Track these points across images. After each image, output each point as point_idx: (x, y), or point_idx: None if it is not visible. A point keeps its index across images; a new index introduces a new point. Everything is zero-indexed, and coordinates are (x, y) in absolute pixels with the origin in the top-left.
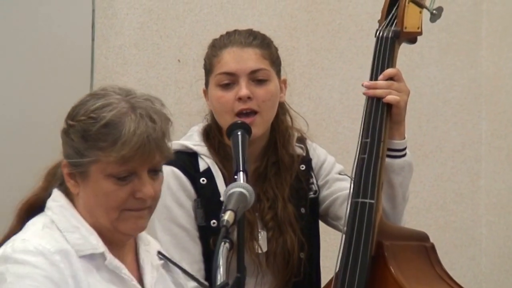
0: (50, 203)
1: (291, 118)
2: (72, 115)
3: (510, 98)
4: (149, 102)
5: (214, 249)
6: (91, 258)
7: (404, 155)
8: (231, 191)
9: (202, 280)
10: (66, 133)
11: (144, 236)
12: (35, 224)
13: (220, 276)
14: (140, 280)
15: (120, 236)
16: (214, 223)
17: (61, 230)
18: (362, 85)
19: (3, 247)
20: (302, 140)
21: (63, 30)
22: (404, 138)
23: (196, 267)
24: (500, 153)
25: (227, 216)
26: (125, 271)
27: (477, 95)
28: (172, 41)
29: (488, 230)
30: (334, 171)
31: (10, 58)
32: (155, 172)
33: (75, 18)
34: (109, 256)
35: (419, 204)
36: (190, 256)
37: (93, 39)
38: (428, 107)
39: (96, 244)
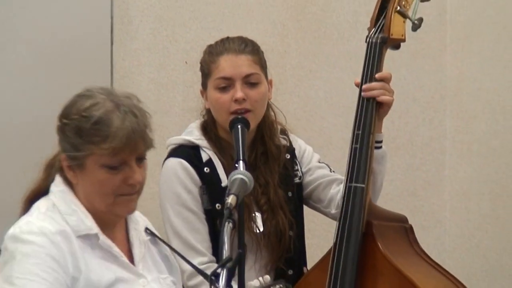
0: (53, 187)
1: (274, 113)
2: (65, 114)
3: (472, 99)
4: (129, 100)
5: (220, 228)
6: (87, 237)
7: (381, 147)
8: (233, 177)
9: (181, 254)
10: (61, 130)
11: (134, 216)
12: (39, 207)
13: (225, 252)
14: (130, 253)
15: (114, 218)
16: (218, 206)
17: (61, 212)
18: (356, 85)
19: (12, 228)
20: (284, 132)
21: (85, 35)
22: (381, 132)
23: (206, 245)
24: (463, 146)
25: (230, 199)
26: (115, 249)
27: (442, 95)
28: (180, 45)
29: (451, 214)
30: (314, 160)
31: (38, 61)
32: (140, 160)
33: (96, 25)
34: (102, 236)
35: (393, 191)
36: (200, 236)
37: (111, 43)
38: (400, 105)
39: (91, 225)
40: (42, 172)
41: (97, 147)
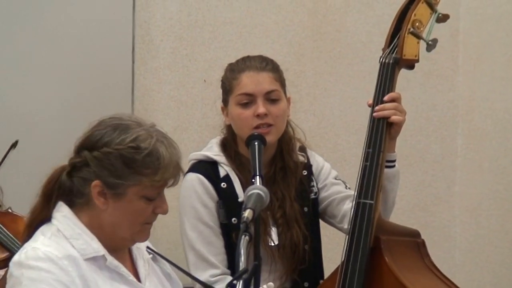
0: (55, 213)
1: (292, 130)
2: (105, 143)
3: (483, 117)
4: (160, 132)
5: (236, 242)
6: (94, 260)
7: (394, 166)
8: (250, 192)
9: (184, 268)
10: (100, 158)
11: None
12: (44, 233)
13: (242, 264)
14: (136, 272)
15: (130, 244)
16: (234, 220)
17: (67, 237)
18: (369, 106)
19: (17, 254)
20: (303, 149)
21: (107, 54)
22: (395, 152)
23: (220, 258)
24: (473, 164)
25: (247, 213)
26: (123, 269)
27: (454, 114)
28: (199, 64)
29: (461, 229)
30: (331, 176)
31: (61, 80)
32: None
33: (118, 44)
34: (109, 257)
35: (404, 206)
36: (215, 249)
37: (133, 62)
38: (413, 123)
39: (98, 248)
40: (41, 197)
41: (147, 179)
